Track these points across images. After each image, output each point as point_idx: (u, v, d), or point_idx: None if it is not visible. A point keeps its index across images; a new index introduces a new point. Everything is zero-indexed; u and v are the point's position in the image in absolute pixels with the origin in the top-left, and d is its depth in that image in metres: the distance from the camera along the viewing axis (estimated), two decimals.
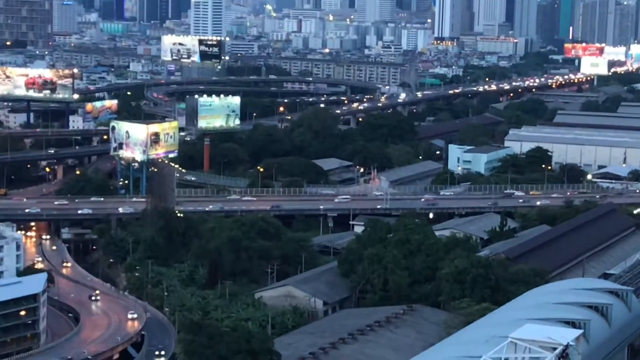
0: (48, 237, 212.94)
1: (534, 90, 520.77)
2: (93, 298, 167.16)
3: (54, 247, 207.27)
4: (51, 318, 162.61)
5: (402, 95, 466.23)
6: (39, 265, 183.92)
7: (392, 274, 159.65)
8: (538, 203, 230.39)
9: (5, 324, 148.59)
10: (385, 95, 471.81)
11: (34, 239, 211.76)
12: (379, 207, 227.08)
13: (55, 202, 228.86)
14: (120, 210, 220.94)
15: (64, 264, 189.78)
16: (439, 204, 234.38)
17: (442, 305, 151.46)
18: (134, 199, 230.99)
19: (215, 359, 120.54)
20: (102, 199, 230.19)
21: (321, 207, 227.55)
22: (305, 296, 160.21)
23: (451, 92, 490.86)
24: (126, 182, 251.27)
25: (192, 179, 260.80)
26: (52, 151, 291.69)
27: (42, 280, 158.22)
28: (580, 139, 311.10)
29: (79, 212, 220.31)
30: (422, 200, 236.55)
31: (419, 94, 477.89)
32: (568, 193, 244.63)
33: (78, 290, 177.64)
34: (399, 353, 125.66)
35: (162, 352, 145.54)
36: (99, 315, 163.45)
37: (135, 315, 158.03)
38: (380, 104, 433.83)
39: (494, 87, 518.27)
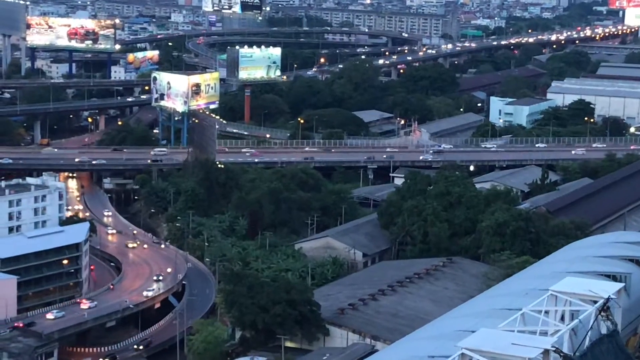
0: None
1: (577, 42, 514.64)
2: None
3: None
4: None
5: (444, 47, 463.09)
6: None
7: (432, 226, 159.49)
8: None
9: (48, 272, 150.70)
10: (426, 47, 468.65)
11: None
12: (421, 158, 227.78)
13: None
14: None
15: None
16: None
17: (481, 257, 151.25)
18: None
19: (255, 309, 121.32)
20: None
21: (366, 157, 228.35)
22: (345, 247, 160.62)
23: (494, 43, 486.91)
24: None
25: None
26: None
27: (84, 229, 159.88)
28: (623, 91, 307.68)
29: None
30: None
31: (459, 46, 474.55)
32: None
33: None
34: (438, 305, 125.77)
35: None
36: (140, 265, 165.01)
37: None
38: (421, 55, 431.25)
39: (536, 38, 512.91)
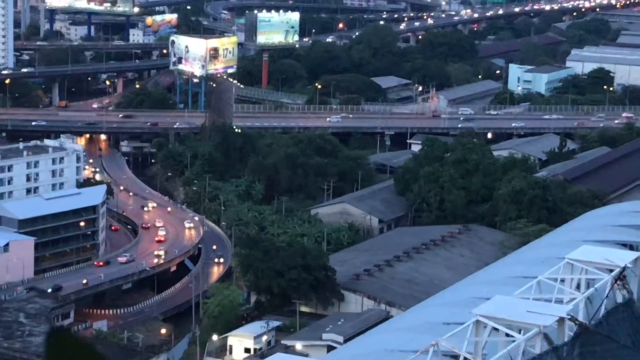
0: None
1: (598, 9, 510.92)
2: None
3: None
4: (110, 230, 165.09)
5: (463, 13, 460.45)
6: None
7: (448, 193, 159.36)
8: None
9: (65, 234, 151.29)
10: (445, 13, 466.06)
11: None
12: None
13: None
14: None
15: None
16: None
17: (498, 225, 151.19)
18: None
19: (271, 273, 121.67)
20: None
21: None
22: (361, 213, 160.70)
23: (514, 10, 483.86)
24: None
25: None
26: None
27: (101, 192, 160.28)
28: None
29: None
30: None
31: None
32: None
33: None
34: (454, 272, 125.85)
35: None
36: (156, 228, 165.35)
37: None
38: (440, 22, 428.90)
39: (557, 6, 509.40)
